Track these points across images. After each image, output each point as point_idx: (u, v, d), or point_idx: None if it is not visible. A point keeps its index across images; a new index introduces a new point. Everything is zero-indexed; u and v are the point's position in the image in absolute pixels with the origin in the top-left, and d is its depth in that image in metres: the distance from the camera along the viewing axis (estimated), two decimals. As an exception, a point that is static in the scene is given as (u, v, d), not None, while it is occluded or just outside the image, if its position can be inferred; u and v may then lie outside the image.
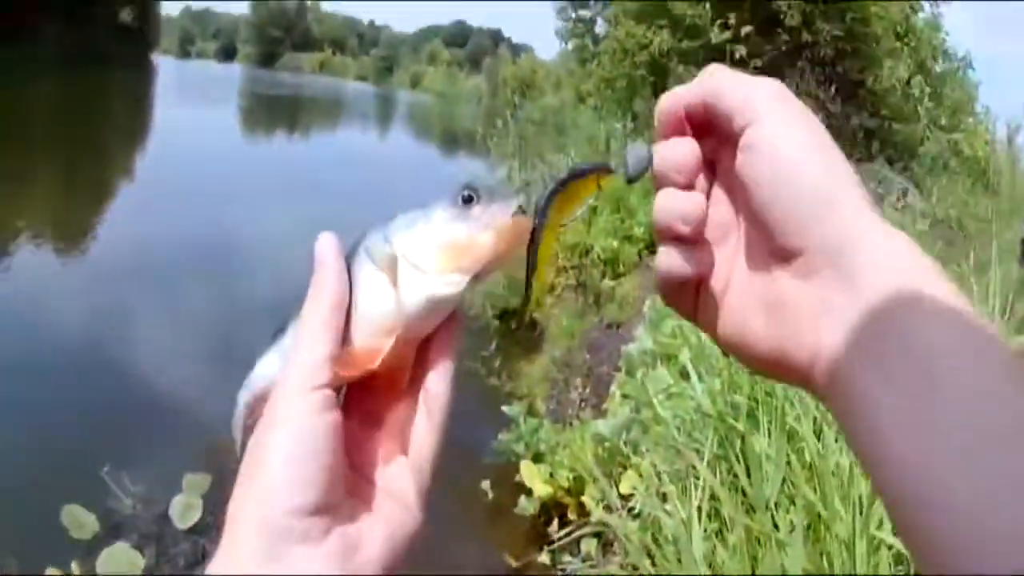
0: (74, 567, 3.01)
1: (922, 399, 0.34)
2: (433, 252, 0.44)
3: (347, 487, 0.44)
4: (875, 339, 0.36)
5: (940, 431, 0.33)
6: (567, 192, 0.46)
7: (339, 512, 0.42)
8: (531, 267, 0.46)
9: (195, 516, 3.33)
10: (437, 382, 0.48)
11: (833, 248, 0.39)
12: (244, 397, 0.51)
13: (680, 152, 0.45)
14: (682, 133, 0.46)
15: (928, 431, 0.33)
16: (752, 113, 0.43)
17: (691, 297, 0.47)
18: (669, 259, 0.45)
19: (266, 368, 0.50)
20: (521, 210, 0.45)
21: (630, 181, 0.47)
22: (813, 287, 0.40)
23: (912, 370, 0.35)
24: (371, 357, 0.45)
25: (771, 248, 0.42)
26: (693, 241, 0.45)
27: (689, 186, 0.45)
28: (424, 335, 0.47)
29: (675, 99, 0.46)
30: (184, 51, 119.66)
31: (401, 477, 0.47)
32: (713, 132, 0.46)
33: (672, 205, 0.45)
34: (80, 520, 3.25)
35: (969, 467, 0.32)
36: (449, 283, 0.44)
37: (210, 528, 3.20)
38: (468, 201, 0.45)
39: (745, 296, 0.45)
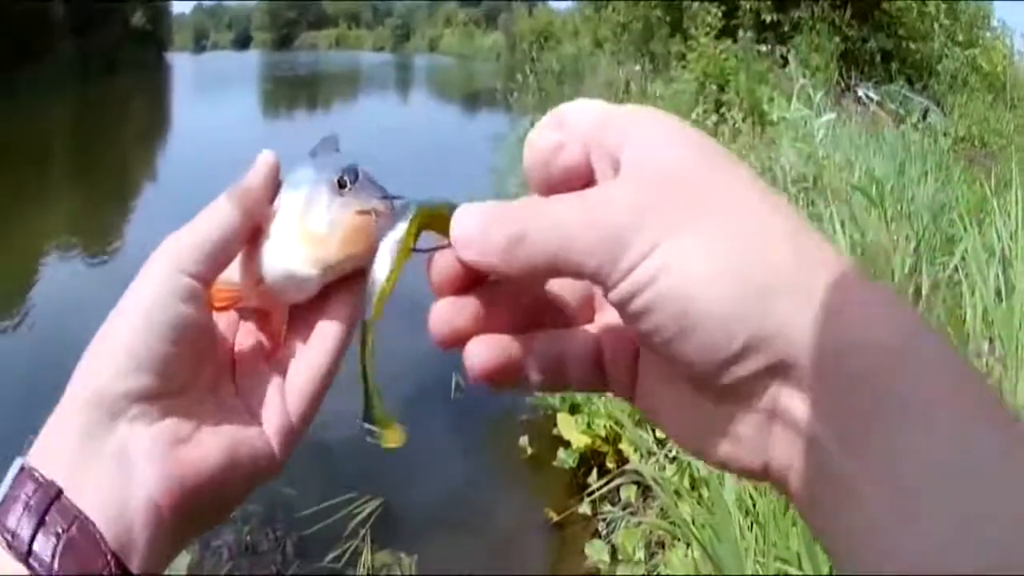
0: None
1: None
2: (295, 227, 0.42)
3: (209, 385, 0.42)
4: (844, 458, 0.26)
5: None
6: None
7: (182, 401, 0.39)
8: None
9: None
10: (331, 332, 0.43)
11: (779, 368, 0.27)
12: None
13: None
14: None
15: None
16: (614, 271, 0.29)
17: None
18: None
19: None
20: (374, 211, 0.41)
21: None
22: (753, 411, 0.29)
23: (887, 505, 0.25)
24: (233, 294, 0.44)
25: (679, 373, 0.30)
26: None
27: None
28: (284, 301, 0.44)
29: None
30: (199, 46, 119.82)
31: (273, 405, 0.43)
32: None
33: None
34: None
35: None
36: (302, 263, 0.42)
37: (251, 517, 3.17)
38: (341, 186, 0.43)
39: (658, 402, 0.33)
